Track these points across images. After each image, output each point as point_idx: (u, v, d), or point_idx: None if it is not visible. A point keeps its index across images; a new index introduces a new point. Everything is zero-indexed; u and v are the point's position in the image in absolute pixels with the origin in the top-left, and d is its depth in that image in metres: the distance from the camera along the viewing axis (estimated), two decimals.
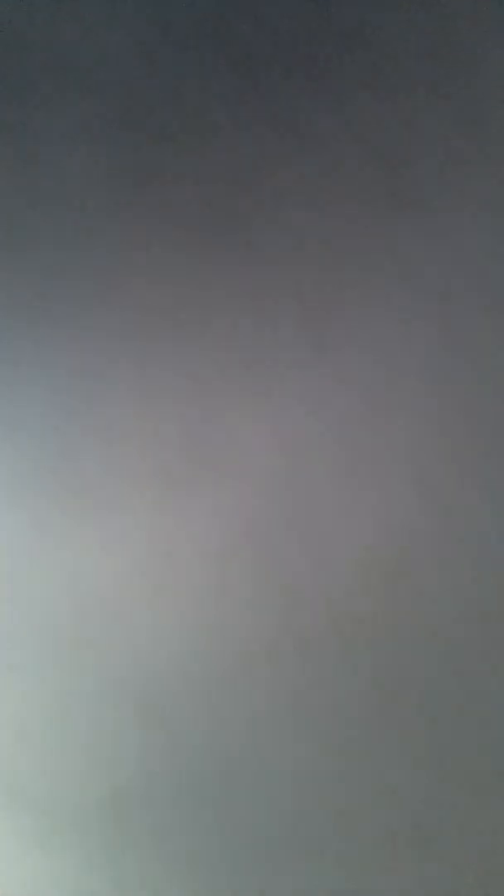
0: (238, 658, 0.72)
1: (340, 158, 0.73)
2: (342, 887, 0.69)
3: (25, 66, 0.79)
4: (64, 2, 0.77)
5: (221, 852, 0.72)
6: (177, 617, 0.74)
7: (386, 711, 0.69)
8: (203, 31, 0.76)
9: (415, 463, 0.69)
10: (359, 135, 0.73)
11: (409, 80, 0.72)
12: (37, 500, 0.78)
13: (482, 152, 0.71)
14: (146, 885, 0.74)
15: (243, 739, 0.72)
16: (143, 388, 0.76)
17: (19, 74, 0.79)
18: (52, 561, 0.77)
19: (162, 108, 0.77)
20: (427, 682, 0.68)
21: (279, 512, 0.72)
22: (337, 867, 0.70)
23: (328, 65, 0.73)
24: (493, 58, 0.70)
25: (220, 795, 0.73)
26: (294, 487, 0.72)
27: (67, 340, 0.78)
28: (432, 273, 0.71)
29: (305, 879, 0.70)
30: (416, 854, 0.68)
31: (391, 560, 0.69)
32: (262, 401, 0.72)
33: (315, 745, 0.71)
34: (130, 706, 0.75)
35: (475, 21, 0.70)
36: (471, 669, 0.67)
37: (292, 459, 0.72)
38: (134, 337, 0.77)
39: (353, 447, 0.70)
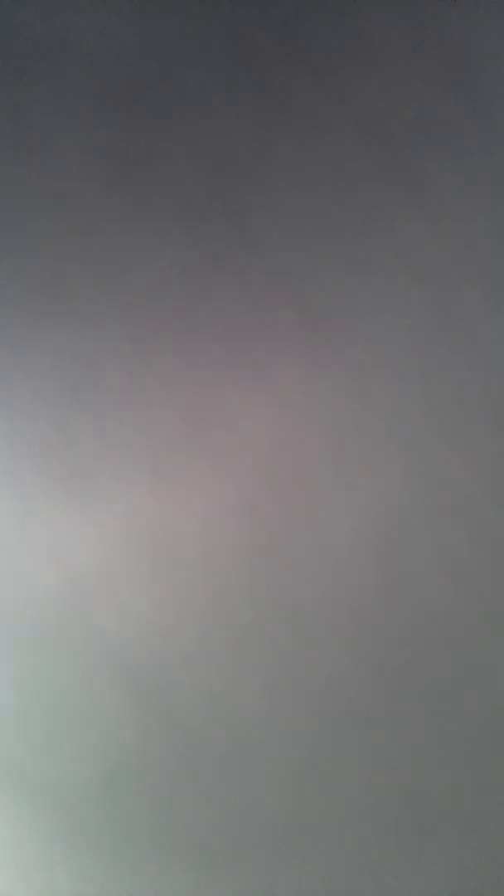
0: (234, 637, 0.72)
1: (339, 141, 0.73)
2: (342, 872, 0.69)
3: (21, 47, 0.79)
4: None
5: (219, 837, 0.72)
6: (172, 595, 0.74)
7: (383, 690, 0.69)
8: (200, 12, 0.76)
9: (408, 441, 0.70)
10: (358, 119, 0.73)
11: (408, 63, 0.72)
12: (32, 478, 0.78)
13: (483, 136, 0.71)
14: (143, 870, 0.74)
15: (240, 719, 0.72)
16: (138, 368, 0.76)
17: (15, 55, 0.80)
18: (47, 539, 0.77)
19: (159, 89, 0.77)
20: (424, 661, 0.68)
21: (274, 489, 0.72)
22: (337, 852, 0.69)
23: (326, 47, 0.74)
24: (494, 38, 0.70)
25: (217, 778, 0.72)
26: (288, 465, 0.72)
27: (63, 323, 0.78)
28: (429, 256, 0.71)
29: (304, 865, 0.70)
30: (417, 838, 0.68)
31: (385, 537, 0.69)
32: (257, 380, 0.73)
33: (313, 726, 0.70)
34: (126, 686, 0.74)
35: (475, 1, 0.71)
36: (468, 647, 0.67)
37: (287, 438, 0.72)
38: (129, 318, 0.77)
39: (347, 426, 0.71)
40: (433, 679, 0.68)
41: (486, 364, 0.69)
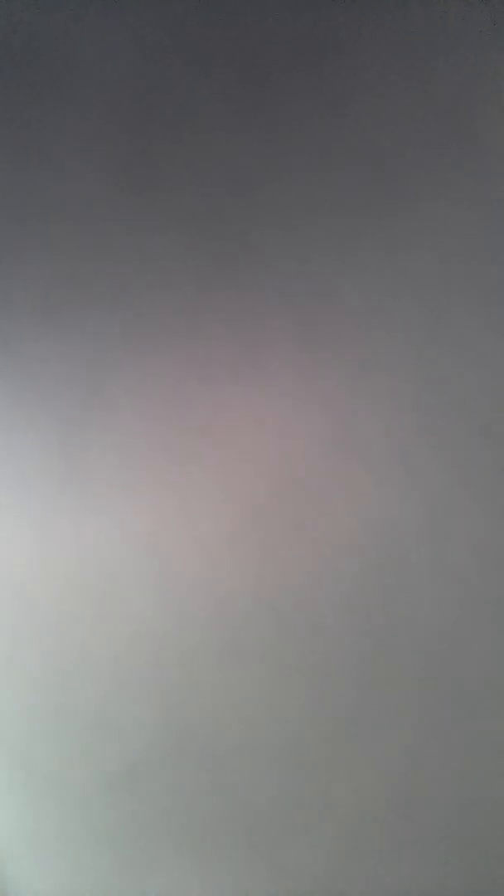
0: (234, 640, 0.72)
1: (337, 155, 0.73)
2: (339, 864, 0.70)
3: (24, 52, 0.78)
4: None
5: (222, 830, 0.72)
6: (174, 600, 0.74)
7: (379, 692, 0.69)
8: (202, 26, 0.75)
9: (402, 449, 0.69)
10: (356, 133, 0.73)
11: (405, 82, 0.72)
12: (42, 479, 0.78)
13: (475, 153, 0.70)
14: (151, 862, 0.74)
15: (240, 718, 0.72)
16: (142, 374, 0.76)
17: (18, 61, 0.79)
18: (58, 538, 0.78)
19: (160, 94, 0.76)
20: (419, 666, 0.68)
21: (273, 489, 0.72)
22: (334, 845, 0.70)
23: (326, 64, 0.73)
24: (489, 61, 0.70)
25: (219, 775, 0.72)
26: (287, 471, 0.72)
27: (71, 331, 0.78)
28: (424, 268, 0.71)
29: (303, 859, 0.70)
30: (410, 833, 0.68)
31: (383, 546, 0.69)
32: (257, 385, 0.73)
33: (311, 726, 0.71)
34: (130, 686, 0.75)
35: (471, 24, 0.70)
36: (461, 652, 0.68)
37: (286, 443, 0.72)
38: (133, 326, 0.77)
39: (343, 433, 0.71)
40: (427, 682, 0.68)
41: (478, 376, 0.69)
